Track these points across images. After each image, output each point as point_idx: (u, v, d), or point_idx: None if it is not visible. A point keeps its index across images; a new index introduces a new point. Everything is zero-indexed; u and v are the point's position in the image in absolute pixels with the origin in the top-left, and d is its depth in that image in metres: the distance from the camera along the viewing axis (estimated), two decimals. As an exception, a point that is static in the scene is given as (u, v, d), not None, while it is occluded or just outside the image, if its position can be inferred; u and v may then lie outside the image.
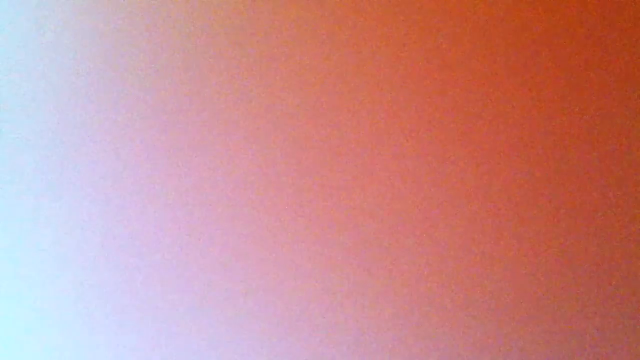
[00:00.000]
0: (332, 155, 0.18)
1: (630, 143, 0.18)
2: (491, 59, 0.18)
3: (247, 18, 0.21)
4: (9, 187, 0.21)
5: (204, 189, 0.19)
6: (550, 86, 0.17)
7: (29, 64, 0.21)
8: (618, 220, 0.17)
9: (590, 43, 0.18)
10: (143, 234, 0.19)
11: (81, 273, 0.19)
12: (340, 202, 0.18)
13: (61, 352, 0.21)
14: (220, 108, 0.19)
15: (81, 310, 0.19)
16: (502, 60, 0.18)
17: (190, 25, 0.20)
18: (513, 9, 0.18)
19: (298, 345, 0.17)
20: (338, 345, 0.17)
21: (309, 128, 0.19)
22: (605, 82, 0.18)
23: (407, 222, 0.17)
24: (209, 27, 0.20)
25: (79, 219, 0.20)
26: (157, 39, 0.20)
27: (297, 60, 0.19)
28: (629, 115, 0.18)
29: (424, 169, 0.17)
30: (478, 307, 0.16)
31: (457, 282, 0.16)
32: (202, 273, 0.18)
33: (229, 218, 0.18)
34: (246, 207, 0.18)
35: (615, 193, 0.17)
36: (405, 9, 0.20)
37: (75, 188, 0.20)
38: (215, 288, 0.18)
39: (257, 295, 0.17)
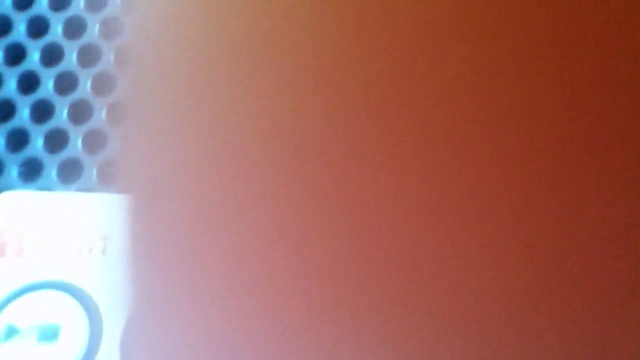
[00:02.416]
0: (332, 155, 0.17)
1: (631, 143, 0.17)
2: (494, 59, 0.17)
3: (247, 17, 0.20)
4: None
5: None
6: (555, 87, 0.16)
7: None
8: (620, 222, 0.16)
9: (593, 43, 0.17)
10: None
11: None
12: (343, 204, 0.17)
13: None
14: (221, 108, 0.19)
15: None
16: (506, 60, 0.17)
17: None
18: (518, 8, 0.18)
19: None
20: (341, 346, 0.16)
21: (311, 128, 0.18)
22: (608, 82, 0.17)
23: (410, 224, 0.16)
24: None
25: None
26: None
27: (297, 58, 0.18)
28: (631, 116, 0.17)
29: (426, 171, 0.16)
30: (481, 309, 0.15)
31: (460, 283, 0.16)
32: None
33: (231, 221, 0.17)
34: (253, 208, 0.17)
35: (617, 194, 0.16)
36: (407, 9, 0.19)
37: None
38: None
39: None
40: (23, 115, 0.29)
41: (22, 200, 0.29)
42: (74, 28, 0.30)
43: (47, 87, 0.29)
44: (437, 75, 0.20)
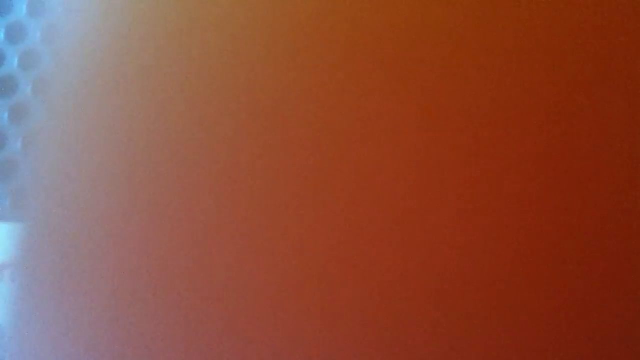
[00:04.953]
0: (330, 154, 0.17)
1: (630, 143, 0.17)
2: (495, 59, 0.17)
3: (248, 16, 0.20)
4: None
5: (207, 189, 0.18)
6: (555, 87, 0.16)
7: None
8: (620, 221, 0.16)
9: (593, 44, 0.17)
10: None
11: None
12: (338, 202, 0.17)
13: None
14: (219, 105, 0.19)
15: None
16: (507, 60, 0.17)
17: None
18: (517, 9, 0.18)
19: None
20: (337, 345, 0.16)
21: (310, 126, 0.18)
22: (607, 82, 0.17)
23: (409, 223, 0.16)
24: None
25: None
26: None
27: (296, 58, 0.19)
28: (630, 115, 0.17)
29: (425, 170, 0.16)
30: (478, 308, 0.16)
31: (458, 283, 0.16)
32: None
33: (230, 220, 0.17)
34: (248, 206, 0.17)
35: (617, 193, 0.16)
36: (407, 8, 0.19)
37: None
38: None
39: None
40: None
41: None
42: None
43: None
44: (437, 74, 0.20)
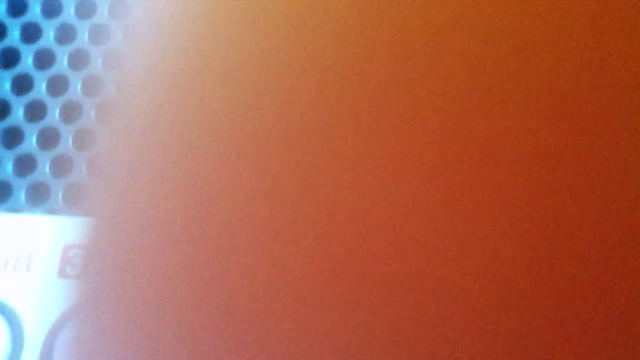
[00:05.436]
0: (333, 154, 0.18)
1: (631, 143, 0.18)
2: (495, 59, 0.18)
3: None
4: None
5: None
6: (555, 88, 0.17)
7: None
8: (619, 220, 0.17)
9: (593, 44, 0.18)
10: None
11: None
12: (341, 202, 0.17)
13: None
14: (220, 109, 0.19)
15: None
16: (507, 60, 0.18)
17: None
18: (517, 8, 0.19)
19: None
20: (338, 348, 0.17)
21: (312, 126, 0.18)
22: (608, 83, 0.18)
23: (408, 224, 0.17)
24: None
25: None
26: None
27: (298, 58, 0.19)
28: (630, 116, 0.18)
29: (424, 171, 0.17)
30: (479, 308, 0.16)
31: (459, 284, 0.17)
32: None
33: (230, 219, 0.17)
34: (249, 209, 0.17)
35: (616, 194, 0.17)
36: (409, 9, 0.19)
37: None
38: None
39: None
40: None
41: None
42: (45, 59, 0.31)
43: (17, 114, 0.30)
44: (437, 75, 0.20)
